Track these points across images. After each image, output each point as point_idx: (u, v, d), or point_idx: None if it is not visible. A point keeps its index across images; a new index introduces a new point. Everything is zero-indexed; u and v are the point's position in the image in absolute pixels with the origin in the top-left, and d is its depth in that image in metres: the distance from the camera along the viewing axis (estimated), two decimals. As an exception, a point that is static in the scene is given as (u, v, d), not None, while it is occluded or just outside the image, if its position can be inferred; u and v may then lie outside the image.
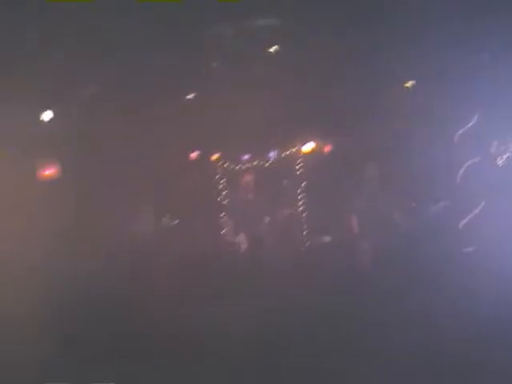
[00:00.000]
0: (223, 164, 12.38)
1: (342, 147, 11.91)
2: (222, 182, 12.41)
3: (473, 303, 5.91)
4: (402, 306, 5.90)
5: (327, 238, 11.49)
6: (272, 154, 12.30)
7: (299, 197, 12.24)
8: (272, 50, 9.39)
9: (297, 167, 12.28)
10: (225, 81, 9.83)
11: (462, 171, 11.16)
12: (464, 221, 11.02)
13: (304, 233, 12.17)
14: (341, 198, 11.44)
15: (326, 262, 9.71)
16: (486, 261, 7.87)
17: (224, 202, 11.64)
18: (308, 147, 12.05)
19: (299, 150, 12.18)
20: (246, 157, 12.29)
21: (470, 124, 11.13)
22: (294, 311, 5.77)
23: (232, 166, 12.37)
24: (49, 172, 11.44)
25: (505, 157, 11.91)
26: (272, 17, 8.65)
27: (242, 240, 10.75)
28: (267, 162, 12.31)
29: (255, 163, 12.21)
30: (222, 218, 11.21)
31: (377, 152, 11.35)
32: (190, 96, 11.04)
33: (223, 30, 8.91)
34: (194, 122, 11.35)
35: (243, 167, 12.11)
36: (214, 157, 12.26)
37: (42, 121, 10.87)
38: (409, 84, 11.13)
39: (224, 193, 12.33)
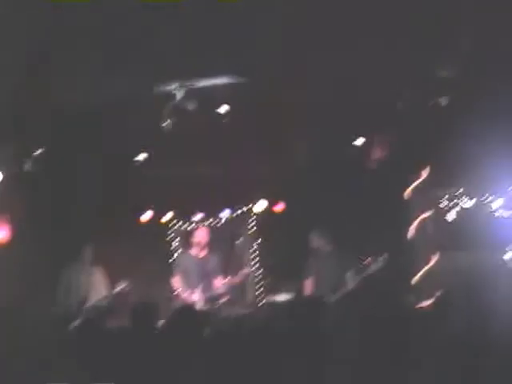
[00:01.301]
0: (176, 224, 12.36)
1: (294, 207, 11.93)
2: (174, 241, 12.39)
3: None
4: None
5: (281, 298, 11.43)
6: (224, 213, 12.31)
7: (252, 256, 12.25)
8: (222, 109, 9.40)
9: (249, 226, 12.32)
10: (176, 139, 9.82)
11: (413, 226, 11.27)
12: (416, 277, 11.10)
13: (257, 292, 12.16)
14: (293, 257, 11.42)
15: (278, 321, 9.61)
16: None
17: (176, 263, 11.53)
18: (260, 206, 12.06)
19: (251, 209, 12.21)
20: (199, 216, 12.28)
21: (421, 179, 11.26)
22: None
23: (185, 226, 12.35)
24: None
25: (454, 211, 12.06)
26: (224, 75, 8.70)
27: (196, 300, 10.62)
28: (219, 220, 12.32)
29: (208, 222, 12.21)
30: (174, 278, 11.07)
31: (327, 211, 11.35)
32: (142, 156, 10.99)
33: (173, 89, 8.92)
34: (145, 182, 11.31)
35: (195, 226, 12.09)
36: (167, 217, 12.23)
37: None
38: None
39: (177, 253, 12.28)
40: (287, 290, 11.35)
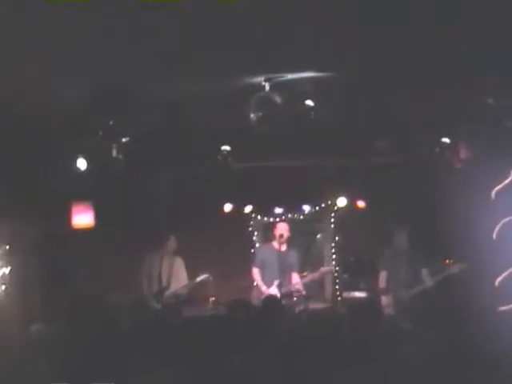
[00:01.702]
0: (256, 216, 12.41)
1: (375, 204, 11.86)
2: (255, 234, 12.44)
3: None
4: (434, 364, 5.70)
5: (359, 294, 11.41)
6: (305, 208, 12.31)
7: (332, 251, 12.22)
8: (309, 103, 9.38)
9: (331, 221, 12.28)
10: (260, 134, 9.85)
11: (498, 228, 11.06)
12: (500, 278, 10.90)
13: (336, 287, 12.13)
14: (372, 253, 11.39)
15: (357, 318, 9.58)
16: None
17: (256, 255, 11.62)
18: (341, 202, 12.03)
19: (333, 205, 12.16)
20: (279, 210, 12.31)
21: (508, 180, 11.04)
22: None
23: (265, 219, 12.39)
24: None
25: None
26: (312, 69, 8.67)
27: (274, 293, 10.68)
28: (301, 215, 12.32)
29: (288, 216, 12.22)
30: (254, 270, 11.17)
31: (409, 211, 11.28)
32: (225, 148, 11.06)
33: (261, 81, 8.94)
34: (228, 174, 11.37)
35: (276, 220, 12.12)
36: (247, 209, 12.29)
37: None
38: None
39: (257, 245, 12.34)
40: (365, 287, 11.35)
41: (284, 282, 10.89)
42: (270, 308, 7.17)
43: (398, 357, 5.60)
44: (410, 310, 10.10)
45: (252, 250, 12.31)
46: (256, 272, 11.15)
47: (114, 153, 10.55)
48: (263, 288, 10.89)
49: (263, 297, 9.57)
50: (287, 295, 10.73)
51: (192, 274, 11.33)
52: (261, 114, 8.89)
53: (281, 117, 8.95)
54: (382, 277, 10.92)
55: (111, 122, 9.94)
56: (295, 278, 10.98)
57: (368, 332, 6.16)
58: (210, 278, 11.02)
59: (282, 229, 11.15)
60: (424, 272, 10.72)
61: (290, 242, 11.18)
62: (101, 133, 10.14)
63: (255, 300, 10.09)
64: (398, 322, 7.89)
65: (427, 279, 10.67)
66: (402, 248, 10.96)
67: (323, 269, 11.44)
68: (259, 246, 12.24)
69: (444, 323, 6.84)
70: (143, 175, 11.18)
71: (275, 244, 11.14)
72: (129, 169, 10.77)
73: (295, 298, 10.78)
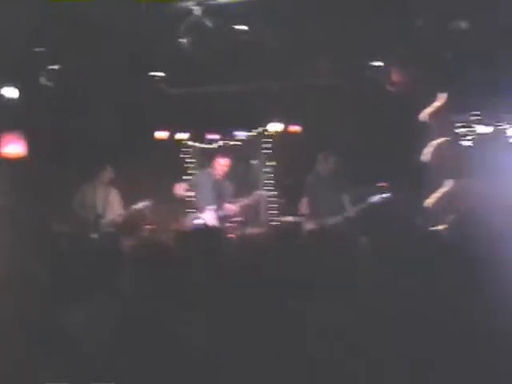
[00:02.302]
0: (191, 143, 12.37)
1: (310, 128, 11.90)
2: (188, 160, 12.40)
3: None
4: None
5: (291, 219, 11.50)
6: (239, 134, 12.31)
7: (266, 176, 12.29)
8: (242, 27, 9.31)
9: (264, 147, 12.32)
10: (192, 58, 9.74)
11: (427, 150, 11.22)
12: (429, 200, 11.10)
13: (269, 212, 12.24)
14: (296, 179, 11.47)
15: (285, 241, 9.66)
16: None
17: (191, 181, 11.61)
18: (276, 127, 12.04)
19: (267, 130, 12.18)
20: (214, 136, 12.28)
21: (437, 102, 11.16)
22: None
23: (199, 145, 12.37)
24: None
25: (470, 137, 12.04)
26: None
27: (208, 218, 10.72)
28: (236, 140, 12.32)
29: (223, 142, 12.22)
30: (189, 197, 11.15)
31: (341, 135, 11.34)
32: (158, 75, 10.93)
33: (191, 6, 8.81)
34: (162, 101, 11.27)
35: (210, 146, 12.11)
36: (182, 136, 12.23)
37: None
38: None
39: (191, 172, 12.31)
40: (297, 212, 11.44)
41: (220, 206, 10.94)
42: (206, 234, 7.18)
43: (326, 282, 5.63)
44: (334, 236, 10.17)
45: (187, 177, 12.29)
46: (185, 189, 11.02)
47: (44, 80, 10.35)
48: (199, 213, 10.94)
49: (199, 224, 9.59)
50: (223, 221, 10.78)
51: (128, 203, 11.28)
52: (192, 38, 8.80)
53: (213, 41, 8.87)
54: (304, 202, 10.90)
55: (41, 49, 9.74)
56: (232, 203, 11.03)
57: (292, 257, 6.20)
58: (148, 206, 10.98)
59: (223, 163, 11.04)
60: (346, 199, 10.77)
61: (224, 168, 11.21)
62: (32, 60, 9.93)
63: (191, 227, 10.10)
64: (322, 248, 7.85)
65: (349, 207, 10.69)
66: (325, 173, 10.93)
67: (257, 193, 11.47)
68: (198, 171, 12.13)
69: (370, 245, 6.89)
70: (75, 103, 11.00)
71: (211, 171, 11.18)
72: (60, 97, 10.60)
73: (230, 224, 10.85)
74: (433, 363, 4.42)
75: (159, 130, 12.02)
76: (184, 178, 12.15)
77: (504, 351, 4.39)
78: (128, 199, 11.28)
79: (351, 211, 10.59)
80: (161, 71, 11.00)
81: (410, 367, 4.43)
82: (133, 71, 10.63)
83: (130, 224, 11.20)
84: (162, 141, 12.13)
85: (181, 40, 9.17)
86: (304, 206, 10.92)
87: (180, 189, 10.91)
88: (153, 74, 10.99)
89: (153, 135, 12.03)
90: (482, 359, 4.40)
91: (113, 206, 11.27)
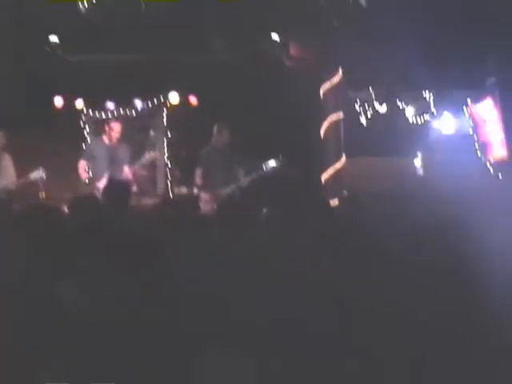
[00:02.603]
0: (88, 111, 12.17)
1: (207, 101, 11.87)
2: (86, 129, 12.21)
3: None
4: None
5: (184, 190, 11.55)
6: (138, 104, 12.17)
7: (164, 146, 12.21)
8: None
9: (163, 117, 12.23)
10: (90, 25, 9.60)
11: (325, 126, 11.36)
12: (325, 175, 11.26)
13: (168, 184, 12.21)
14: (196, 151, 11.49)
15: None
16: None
17: (87, 149, 11.50)
18: (174, 98, 11.96)
19: (165, 100, 12.09)
20: (110, 105, 12.11)
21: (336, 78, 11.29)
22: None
23: (97, 115, 12.18)
24: None
25: (368, 114, 12.25)
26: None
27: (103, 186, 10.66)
28: (133, 110, 12.18)
29: (120, 112, 12.06)
30: (86, 166, 11.07)
31: (238, 107, 11.38)
32: (54, 40, 10.71)
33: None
34: (57, 68, 11.06)
35: (108, 115, 11.96)
36: (79, 104, 12.02)
37: None
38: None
39: (88, 141, 12.14)
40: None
41: (115, 175, 10.88)
42: (102, 202, 7.11)
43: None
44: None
45: (84, 146, 12.14)
46: (82, 164, 11.11)
47: None
48: (96, 182, 10.87)
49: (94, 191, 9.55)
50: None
51: (22, 171, 11.07)
52: (90, 3, 8.67)
53: (111, 7, 8.76)
54: (198, 173, 11.08)
55: None
56: (126, 170, 11.03)
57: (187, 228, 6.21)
58: (44, 175, 10.81)
59: (112, 124, 11.17)
60: (240, 172, 10.91)
61: (121, 137, 11.15)
62: None
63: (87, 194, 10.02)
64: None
65: (242, 178, 10.85)
66: (219, 145, 11.09)
67: (149, 154, 11.47)
68: (91, 141, 12.03)
69: (267, 217, 6.92)
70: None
71: (105, 139, 11.13)
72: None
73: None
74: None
75: (57, 96, 11.76)
76: (82, 147, 12.02)
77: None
78: (23, 167, 11.07)
79: (245, 181, 10.72)
80: (59, 37, 10.78)
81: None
82: (30, 36, 10.40)
83: (24, 191, 11.01)
84: (60, 109, 11.88)
85: (81, 5, 9.03)
86: (198, 177, 11.01)
87: (81, 168, 10.94)
88: (51, 39, 10.75)
89: (51, 102, 11.77)
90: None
91: (6, 173, 11.03)
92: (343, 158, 11.30)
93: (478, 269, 4.53)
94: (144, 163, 11.33)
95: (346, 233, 5.88)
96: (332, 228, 5.97)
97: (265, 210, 7.22)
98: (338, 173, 11.23)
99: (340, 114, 11.37)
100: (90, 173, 11.07)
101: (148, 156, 11.39)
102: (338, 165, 11.25)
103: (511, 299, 4.37)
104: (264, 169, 10.83)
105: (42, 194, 10.86)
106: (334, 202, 10.69)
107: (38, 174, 10.80)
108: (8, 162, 11.08)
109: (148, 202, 10.82)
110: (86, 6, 9.00)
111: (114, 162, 10.96)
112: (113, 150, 11.04)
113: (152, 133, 12.11)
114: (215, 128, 11.12)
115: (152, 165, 11.79)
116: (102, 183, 10.71)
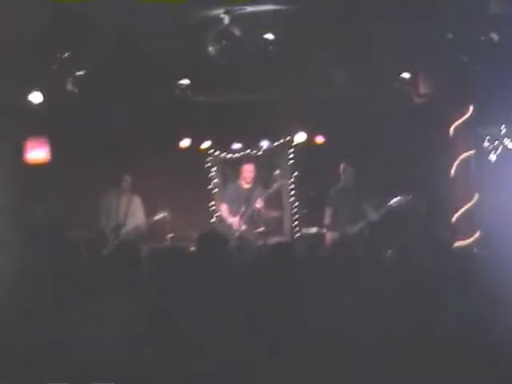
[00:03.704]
0: (214, 152, 12.28)
1: (334, 139, 11.80)
2: (212, 170, 12.31)
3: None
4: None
5: (315, 230, 11.46)
6: (264, 144, 12.21)
7: (290, 187, 12.19)
8: (269, 36, 9.26)
9: (289, 157, 12.22)
10: (219, 68, 9.69)
11: (456, 164, 11.11)
12: (457, 214, 10.98)
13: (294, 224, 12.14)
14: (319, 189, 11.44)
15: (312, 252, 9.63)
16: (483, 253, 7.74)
17: (215, 191, 11.60)
18: (300, 137, 11.93)
19: (291, 140, 12.08)
20: (237, 145, 12.19)
21: (466, 116, 11.05)
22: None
23: (223, 155, 12.28)
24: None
25: (498, 151, 11.88)
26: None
27: (233, 226, 10.75)
28: (259, 151, 12.22)
29: (246, 152, 12.13)
30: (213, 206, 11.18)
31: (366, 145, 11.27)
32: (184, 82, 10.87)
33: (220, 14, 8.78)
34: (185, 110, 11.21)
35: (234, 156, 12.05)
36: (205, 145, 12.13)
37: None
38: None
39: (215, 181, 12.25)
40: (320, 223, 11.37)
41: (248, 216, 11.04)
42: (228, 241, 7.11)
43: (351, 290, 5.58)
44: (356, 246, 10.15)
45: (210, 187, 12.24)
46: (225, 208, 11.31)
47: (69, 86, 10.33)
48: (226, 223, 11.06)
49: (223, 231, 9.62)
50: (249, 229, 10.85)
51: (150, 212, 11.25)
52: (220, 47, 8.76)
53: (240, 50, 8.83)
54: (328, 213, 11.04)
55: (66, 54, 9.72)
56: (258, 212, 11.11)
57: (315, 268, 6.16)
58: (168, 216, 10.98)
59: (248, 170, 11.28)
60: (368, 209, 10.78)
61: (253, 180, 11.29)
62: (56, 65, 9.91)
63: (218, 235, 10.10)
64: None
65: (371, 214, 10.72)
66: (347, 184, 11.02)
67: (279, 182, 11.52)
68: (226, 185, 12.07)
69: (396, 256, 6.78)
70: (99, 110, 10.96)
71: (240, 182, 11.31)
72: (84, 103, 10.58)
73: (255, 231, 10.85)
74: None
75: (185, 137, 11.91)
76: (208, 187, 12.14)
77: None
78: (151, 208, 11.24)
79: (375, 217, 10.57)
80: (187, 79, 10.94)
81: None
82: (160, 79, 10.60)
83: (152, 232, 11.18)
84: (187, 149, 12.03)
85: (209, 48, 9.14)
86: (328, 216, 10.93)
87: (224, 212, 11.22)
88: (180, 81, 10.93)
89: (177, 144, 11.94)
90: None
91: (134, 215, 11.23)
92: (475, 197, 10.98)
93: None
94: (271, 194, 11.30)
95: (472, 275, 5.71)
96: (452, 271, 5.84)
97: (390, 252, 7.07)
98: (469, 211, 10.91)
99: (470, 152, 11.10)
100: (226, 214, 11.20)
101: (276, 186, 11.39)
102: (470, 203, 10.94)
103: None
104: (393, 205, 10.67)
105: (169, 235, 11.00)
106: (465, 242, 10.42)
107: (163, 216, 10.97)
108: (137, 204, 11.28)
109: (275, 240, 10.78)
110: (214, 47, 9.07)
111: (245, 201, 11.03)
112: (244, 190, 11.15)
113: (278, 173, 12.06)
114: (341, 166, 11.02)
115: (279, 205, 11.73)
116: (234, 224, 10.90)
